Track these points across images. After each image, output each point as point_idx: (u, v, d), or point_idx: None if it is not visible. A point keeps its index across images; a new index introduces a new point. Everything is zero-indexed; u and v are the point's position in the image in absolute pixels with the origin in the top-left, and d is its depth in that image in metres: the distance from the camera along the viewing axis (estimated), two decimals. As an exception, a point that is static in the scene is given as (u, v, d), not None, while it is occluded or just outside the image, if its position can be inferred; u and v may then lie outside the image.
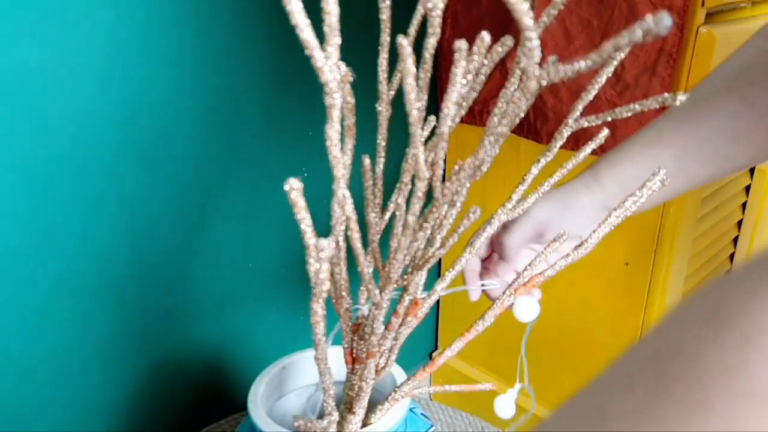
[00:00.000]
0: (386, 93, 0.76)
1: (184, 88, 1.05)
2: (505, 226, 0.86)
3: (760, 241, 1.65)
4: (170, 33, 1.01)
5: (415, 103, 0.49)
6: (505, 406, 0.82)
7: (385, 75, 0.75)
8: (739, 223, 1.50)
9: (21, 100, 0.89)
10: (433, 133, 0.70)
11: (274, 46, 1.15)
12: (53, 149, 0.93)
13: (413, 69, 0.46)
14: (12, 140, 0.89)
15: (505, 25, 1.26)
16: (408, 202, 0.67)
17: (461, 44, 0.42)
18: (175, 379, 1.21)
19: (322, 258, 0.44)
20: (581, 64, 0.39)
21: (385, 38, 0.73)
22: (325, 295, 0.53)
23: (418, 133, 0.51)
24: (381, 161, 0.79)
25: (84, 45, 0.93)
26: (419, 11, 0.73)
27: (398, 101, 0.77)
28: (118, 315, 1.08)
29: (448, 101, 0.46)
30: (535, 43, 0.39)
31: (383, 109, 0.77)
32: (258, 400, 0.84)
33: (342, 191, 0.54)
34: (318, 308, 0.55)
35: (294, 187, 0.44)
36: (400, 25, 0.73)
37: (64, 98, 0.93)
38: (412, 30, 0.74)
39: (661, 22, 0.34)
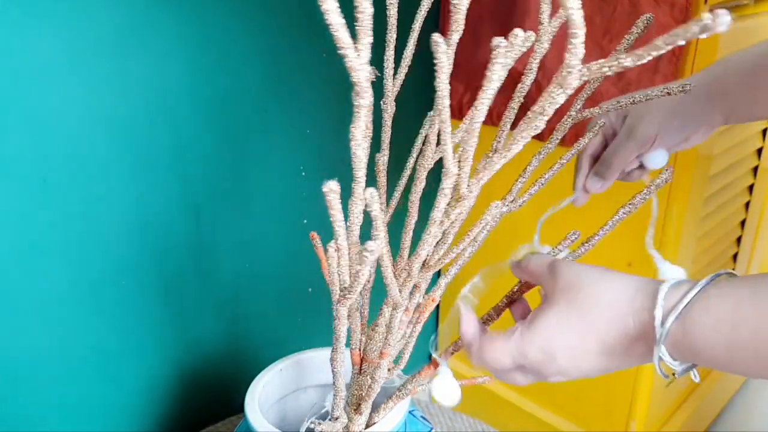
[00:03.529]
0: (391, 90, 0.76)
1: (181, 87, 1.04)
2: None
3: (764, 241, 1.66)
4: (168, 32, 1.00)
5: (447, 100, 0.48)
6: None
7: (391, 72, 0.75)
8: (742, 223, 1.50)
9: (19, 100, 0.88)
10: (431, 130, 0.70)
11: (272, 43, 1.14)
12: (52, 149, 0.92)
13: (447, 67, 0.45)
14: (10, 140, 0.88)
15: (506, 21, 1.25)
16: (421, 198, 0.67)
17: (500, 41, 0.42)
18: (173, 380, 1.20)
19: (368, 260, 0.43)
20: (628, 61, 0.38)
21: (391, 36, 0.73)
22: (356, 296, 0.52)
23: (449, 131, 0.50)
24: (385, 158, 0.79)
25: (81, 44, 0.92)
26: (423, 8, 0.72)
27: (400, 98, 0.77)
28: (117, 315, 1.07)
29: (483, 98, 0.46)
30: (581, 39, 0.38)
31: (388, 107, 0.76)
32: (255, 401, 0.83)
33: (365, 190, 0.53)
34: (344, 310, 0.54)
35: (332, 189, 0.43)
36: (402, 22, 0.73)
37: (62, 98, 0.92)
38: (417, 26, 0.74)
39: (720, 18, 0.33)
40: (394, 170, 0.78)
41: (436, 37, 0.44)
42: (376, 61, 0.75)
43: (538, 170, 0.79)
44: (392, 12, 0.72)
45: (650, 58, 0.37)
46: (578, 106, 0.78)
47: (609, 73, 0.40)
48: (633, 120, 0.87)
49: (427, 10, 0.73)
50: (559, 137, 0.79)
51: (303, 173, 1.25)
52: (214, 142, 1.11)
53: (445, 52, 0.44)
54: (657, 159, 0.89)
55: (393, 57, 0.74)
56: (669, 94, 0.73)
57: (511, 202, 0.78)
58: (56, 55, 0.90)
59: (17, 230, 0.92)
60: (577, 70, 0.40)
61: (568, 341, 0.61)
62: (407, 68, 0.76)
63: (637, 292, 0.60)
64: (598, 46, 1.16)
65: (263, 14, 1.11)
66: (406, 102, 0.82)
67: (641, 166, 0.91)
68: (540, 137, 1.26)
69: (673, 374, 0.60)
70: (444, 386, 0.75)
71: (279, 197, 1.22)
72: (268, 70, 1.15)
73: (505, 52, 0.43)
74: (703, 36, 0.34)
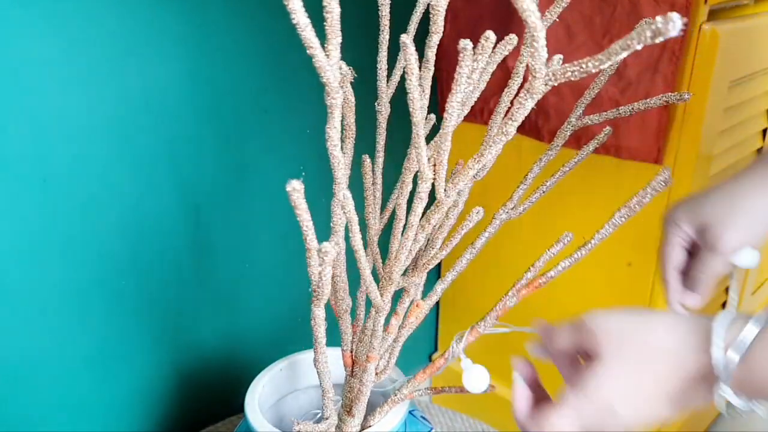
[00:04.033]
0: (385, 92, 0.75)
1: (181, 87, 1.04)
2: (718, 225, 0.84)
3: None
4: (167, 30, 1.00)
5: (418, 102, 0.48)
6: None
7: (385, 74, 0.75)
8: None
9: (19, 100, 0.88)
10: (432, 131, 0.70)
11: (271, 43, 1.14)
12: (50, 150, 0.92)
13: (417, 68, 0.45)
14: (10, 140, 0.88)
15: (505, 22, 1.25)
16: (409, 202, 0.66)
17: (467, 44, 0.41)
18: (173, 380, 1.20)
19: (325, 261, 0.43)
20: (589, 65, 0.38)
21: (384, 37, 0.72)
22: (326, 298, 0.52)
23: (422, 134, 0.50)
24: (380, 161, 0.78)
25: (81, 44, 0.92)
26: (419, 9, 0.72)
27: (396, 100, 0.76)
28: (117, 316, 1.07)
29: (452, 101, 0.45)
30: (542, 43, 0.38)
31: (382, 108, 0.76)
32: (255, 401, 0.83)
33: (343, 192, 0.53)
34: (319, 312, 0.54)
35: (296, 188, 0.43)
36: (398, 24, 0.73)
37: (62, 98, 0.92)
38: (412, 28, 0.73)
39: (671, 23, 0.33)
40: (394, 174, 0.78)
41: (404, 38, 0.44)
42: (371, 62, 0.75)
43: (539, 176, 0.79)
44: (384, 12, 0.71)
45: (610, 63, 0.37)
46: (578, 113, 0.77)
47: (573, 78, 0.40)
48: (714, 233, 0.83)
49: (423, 11, 0.72)
50: (560, 144, 0.78)
51: (303, 173, 1.25)
52: (214, 142, 1.11)
53: (413, 54, 0.44)
54: (748, 259, 0.85)
55: (386, 58, 0.74)
56: (667, 102, 0.73)
57: (512, 209, 0.77)
58: (56, 56, 0.90)
59: (17, 230, 0.92)
60: (542, 74, 0.40)
61: (627, 397, 0.60)
62: (402, 70, 0.75)
63: (688, 334, 0.58)
64: (598, 47, 1.15)
65: (263, 14, 1.11)
66: (404, 104, 0.82)
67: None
68: (541, 141, 1.27)
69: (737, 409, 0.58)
70: (473, 377, 0.75)
71: (279, 197, 1.22)
72: (268, 70, 1.15)
73: (471, 56, 0.42)
74: (658, 40, 0.33)
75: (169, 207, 1.08)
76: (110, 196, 1.00)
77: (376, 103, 0.76)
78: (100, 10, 0.92)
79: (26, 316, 0.96)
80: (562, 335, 0.67)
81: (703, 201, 0.85)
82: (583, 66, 0.39)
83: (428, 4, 0.67)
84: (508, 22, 1.24)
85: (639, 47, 0.35)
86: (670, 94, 0.73)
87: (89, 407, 1.09)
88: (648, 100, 0.74)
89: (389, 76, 0.76)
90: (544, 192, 0.78)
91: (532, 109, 0.51)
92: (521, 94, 0.44)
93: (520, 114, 0.45)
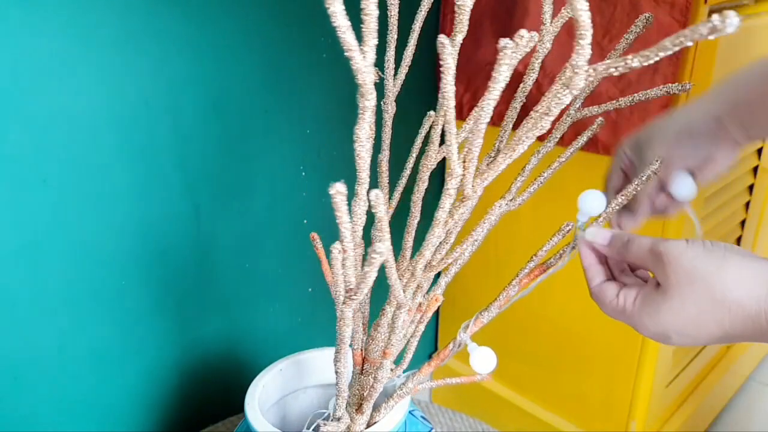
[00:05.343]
0: (392, 90, 0.76)
1: (181, 88, 1.04)
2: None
3: (764, 241, 1.65)
4: (167, 30, 1.00)
5: (452, 101, 0.48)
6: None
7: (392, 72, 0.75)
8: (743, 223, 1.50)
9: (19, 100, 0.88)
10: (431, 130, 0.70)
11: (271, 43, 1.14)
12: (50, 148, 0.92)
13: (453, 68, 0.45)
14: (10, 140, 0.88)
15: (505, 21, 1.25)
16: (424, 199, 0.67)
17: (507, 42, 0.42)
18: (173, 380, 1.20)
19: (375, 262, 0.43)
20: (634, 61, 0.38)
21: (392, 36, 0.73)
22: (361, 298, 0.52)
23: (454, 131, 0.50)
24: (386, 158, 0.79)
25: (82, 44, 0.92)
26: (423, 8, 0.72)
27: (397, 99, 0.77)
28: (117, 315, 1.07)
29: (488, 98, 0.46)
30: (588, 40, 0.38)
31: (388, 107, 0.76)
32: (255, 401, 0.83)
33: (375, 192, 0.53)
34: (349, 312, 0.54)
35: (339, 191, 0.43)
36: (400, 24, 0.73)
37: (62, 98, 0.92)
38: (417, 26, 0.74)
39: (729, 20, 0.34)
40: (394, 170, 0.78)
41: (442, 38, 0.44)
42: (377, 61, 0.75)
43: (536, 169, 0.79)
44: (393, 12, 0.72)
45: (657, 59, 0.38)
46: (577, 106, 0.78)
47: (616, 74, 0.40)
48: (644, 144, 0.81)
49: (427, 10, 0.72)
50: (558, 136, 0.79)
51: (303, 173, 1.25)
52: (215, 142, 1.11)
53: (450, 53, 0.44)
54: (681, 185, 0.80)
55: (393, 57, 0.74)
56: (668, 93, 0.73)
57: (510, 200, 0.78)
58: (57, 55, 0.90)
59: (17, 231, 0.92)
60: (583, 70, 0.40)
61: (686, 330, 0.61)
62: (407, 68, 0.76)
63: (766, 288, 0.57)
64: (598, 47, 1.16)
65: (264, 15, 1.11)
66: (406, 102, 0.82)
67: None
68: (539, 136, 1.28)
69: None
70: (480, 358, 0.75)
71: (279, 197, 1.22)
72: (268, 70, 1.15)
73: (511, 54, 0.42)
74: (711, 37, 0.34)
75: (169, 207, 1.08)
76: (110, 196, 1.00)
77: (382, 102, 0.76)
78: (101, 9, 0.92)
79: (27, 316, 0.96)
80: (639, 250, 0.66)
81: (645, 127, 0.83)
82: (628, 62, 0.39)
83: (431, 4, 0.68)
84: (509, 21, 1.24)
85: (690, 44, 0.35)
86: (671, 84, 0.73)
87: (89, 407, 1.09)
88: (648, 91, 0.74)
89: (395, 75, 0.76)
90: (541, 183, 0.78)
91: (530, 107, 0.52)
92: (557, 88, 0.44)
93: (557, 108, 0.46)
